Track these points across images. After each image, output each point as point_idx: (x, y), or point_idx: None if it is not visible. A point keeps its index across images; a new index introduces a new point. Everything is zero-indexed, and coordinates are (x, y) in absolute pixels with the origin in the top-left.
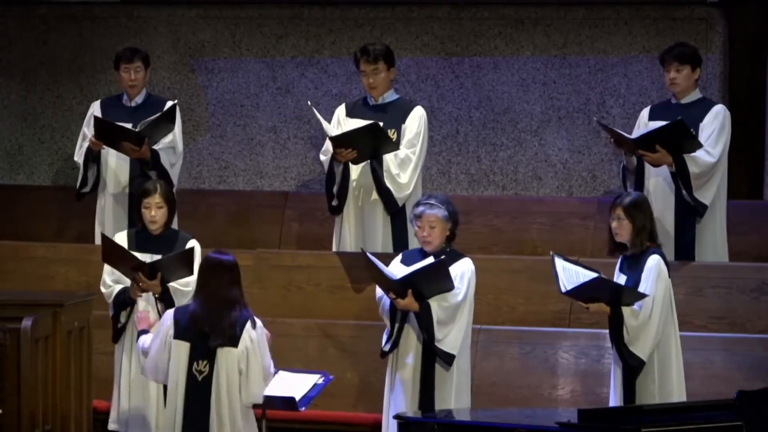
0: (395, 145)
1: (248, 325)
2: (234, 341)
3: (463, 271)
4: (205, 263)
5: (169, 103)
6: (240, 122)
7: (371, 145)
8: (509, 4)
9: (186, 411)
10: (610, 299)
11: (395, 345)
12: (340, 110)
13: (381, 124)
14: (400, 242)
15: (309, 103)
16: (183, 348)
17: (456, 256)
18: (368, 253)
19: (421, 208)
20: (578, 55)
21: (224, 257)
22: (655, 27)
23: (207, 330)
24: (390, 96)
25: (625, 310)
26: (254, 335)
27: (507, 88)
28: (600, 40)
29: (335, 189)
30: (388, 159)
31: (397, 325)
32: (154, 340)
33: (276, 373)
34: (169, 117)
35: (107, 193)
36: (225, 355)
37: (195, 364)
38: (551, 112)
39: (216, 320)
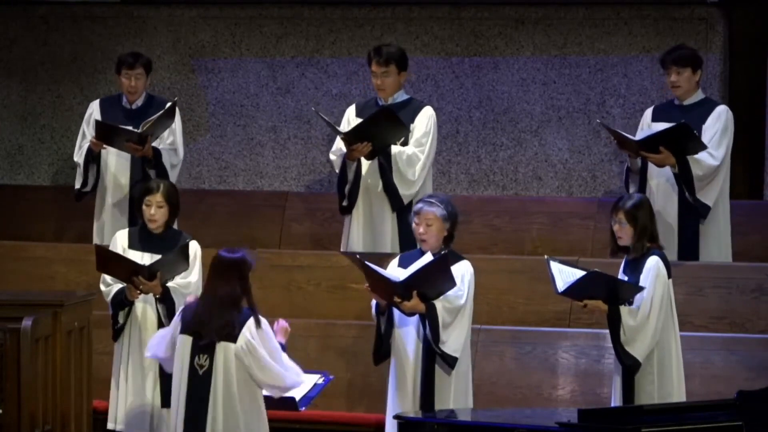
0: (407, 129)
1: (249, 322)
2: (231, 338)
3: (462, 273)
4: (212, 261)
5: (169, 104)
6: (240, 122)
7: (386, 132)
8: (509, 4)
9: (188, 403)
10: (607, 296)
11: (387, 353)
12: (350, 110)
13: None
14: (407, 241)
15: (314, 108)
16: (187, 342)
17: (455, 258)
18: (366, 262)
19: (419, 205)
20: (578, 55)
21: (229, 255)
22: (655, 27)
23: (199, 327)
24: (400, 96)
25: (623, 310)
26: (254, 332)
27: (507, 88)
28: (600, 40)
29: (347, 189)
30: (397, 156)
31: (383, 326)
32: (165, 335)
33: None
34: (168, 115)
35: (107, 194)
36: (223, 350)
37: (196, 358)
38: (551, 112)
39: (209, 318)
